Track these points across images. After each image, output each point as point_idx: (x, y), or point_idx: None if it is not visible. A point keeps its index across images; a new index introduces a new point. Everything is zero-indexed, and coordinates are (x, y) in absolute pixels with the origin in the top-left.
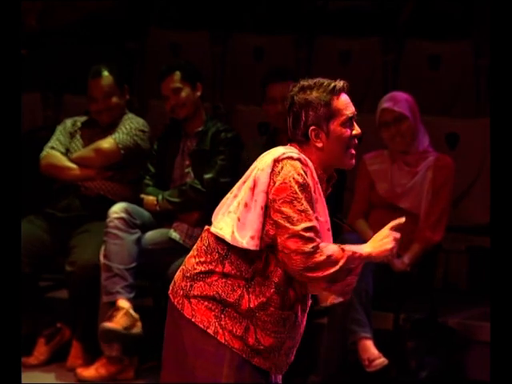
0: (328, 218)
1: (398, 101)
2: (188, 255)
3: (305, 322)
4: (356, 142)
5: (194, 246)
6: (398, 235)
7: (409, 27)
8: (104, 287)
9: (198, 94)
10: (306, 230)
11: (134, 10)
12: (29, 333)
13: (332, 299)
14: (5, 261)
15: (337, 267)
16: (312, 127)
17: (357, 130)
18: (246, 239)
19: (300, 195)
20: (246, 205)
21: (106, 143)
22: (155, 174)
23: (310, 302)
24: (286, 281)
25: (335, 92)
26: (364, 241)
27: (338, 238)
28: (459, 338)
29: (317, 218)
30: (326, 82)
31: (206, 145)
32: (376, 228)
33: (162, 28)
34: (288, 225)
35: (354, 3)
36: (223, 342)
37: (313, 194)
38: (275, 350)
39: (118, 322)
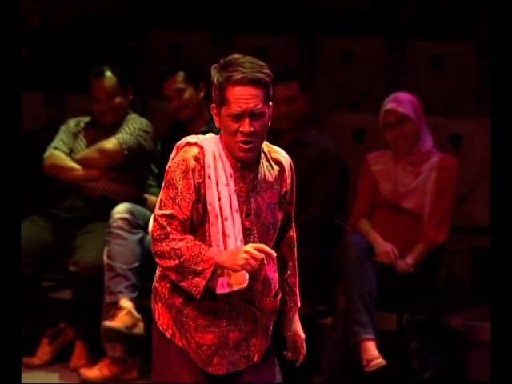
0: (233, 213)
1: (401, 102)
2: None
3: (258, 313)
4: (246, 138)
5: None
6: (258, 256)
7: (411, 27)
8: (107, 287)
9: (201, 94)
10: (163, 216)
11: (134, 10)
12: (32, 333)
13: (222, 288)
14: (5, 261)
15: (177, 261)
16: (212, 104)
17: (244, 128)
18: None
19: (178, 181)
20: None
21: (110, 144)
22: (159, 174)
23: (259, 294)
24: None
25: (231, 81)
26: (367, 241)
27: (341, 240)
28: (462, 339)
29: (210, 204)
30: (234, 65)
31: None
32: (379, 228)
33: (162, 28)
34: (157, 208)
35: (356, 3)
36: (181, 346)
37: (205, 179)
38: (221, 345)
39: (119, 321)
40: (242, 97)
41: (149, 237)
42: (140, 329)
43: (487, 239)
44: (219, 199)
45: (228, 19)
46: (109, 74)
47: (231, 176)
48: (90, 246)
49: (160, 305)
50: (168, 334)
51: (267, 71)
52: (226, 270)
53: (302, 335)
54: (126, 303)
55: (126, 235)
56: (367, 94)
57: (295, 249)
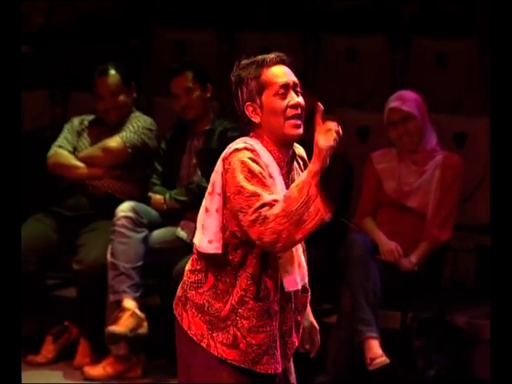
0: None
1: (406, 100)
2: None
3: (296, 313)
4: (296, 111)
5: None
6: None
7: (415, 25)
8: (111, 286)
9: (208, 95)
10: (258, 208)
11: (139, 8)
12: (36, 331)
13: (294, 285)
14: (5, 260)
15: (285, 214)
16: (247, 103)
17: (293, 100)
18: (205, 244)
19: (245, 183)
20: (206, 210)
21: (114, 142)
22: (162, 172)
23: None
24: (260, 270)
25: (265, 64)
26: (371, 240)
27: (346, 238)
28: (466, 337)
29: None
30: (260, 57)
31: (213, 143)
32: (383, 227)
33: (167, 26)
34: (242, 215)
35: (360, 1)
36: (216, 354)
37: (267, 178)
38: (271, 344)
39: (123, 325)
40: (281, 72)
41: (152, 235)
42: (144, 328)
43: None
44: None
45: (232, 17)
46: (113, 72)
47: (279, 173)
48: (94, 244)
49: (191, 313)
50: (204, 344)
51: (294, 61)
52: (295, 267)
53: (317, 326)
54: (129, 303)
55: (130, 234)
56: (371, 92)
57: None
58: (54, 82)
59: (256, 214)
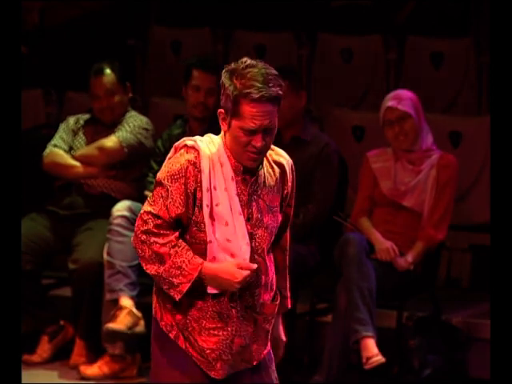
0: (235, 217)
1: (401, 99)
2: None
3: (259, 318)
4: (256, 151)
5: None
6: (250, 277)
7: (411, 24)
8: (107, 285)
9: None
10: (149, 213)
11: (135, 7)
12: (32, 330)
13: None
14: (5, 259)
15: (157, 267)
16: (220, 110)
17: (256, 143)
18: None
19: (169, 183)
20: None
21: (110, 141)
22: (158, 171)
23: (260, 299)
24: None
25: (247, 97)
26: (367, 239)
27: (341, 237)
28: (462, 336)
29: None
30: (248, 77)
31: None
32: (379, 226)
33: (163, 25)
34: (146, 202)
35: (355, 2)
36: (183, 348)
37: (201, 185)
38: (225, 350)
39: (121, 322)
40: (258, 114)
41: None
42: (141, 327)
43: (486, 237)
44: (217, 205)
45: (228, 16)
46: (108, 71)
47: (232, 179)
48: (90, 244)
49: (163, 305)
50: (172, 336)
51: (281, 82)
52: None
53: (284, 338)
54: (126, 302)
55: (126, 233)
56: (367, 91)
57: (287, 252)
58: (48, 82)
59: (148, 218)
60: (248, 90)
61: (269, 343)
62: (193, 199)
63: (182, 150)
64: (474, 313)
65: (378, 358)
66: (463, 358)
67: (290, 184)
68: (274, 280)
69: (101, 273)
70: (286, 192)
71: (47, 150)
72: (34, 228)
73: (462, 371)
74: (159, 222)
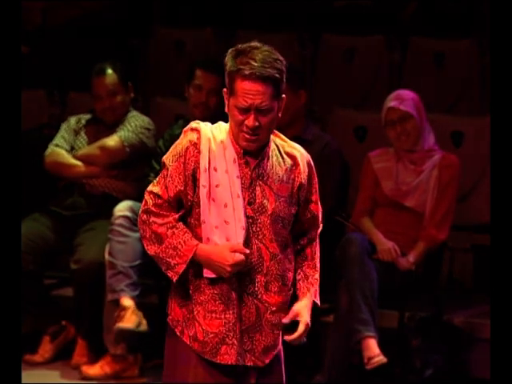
0: (235, 199)
1: (403, 99)
2: None
3: (262, 307)
4: (249, 131)
5: None
6: (241, 261)
7: (413, 25)
8: (109, 285)
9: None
10: (151, 193)
11: (136, 7)
12: (33, 330)
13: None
14: (5, 259)
15: (156, 248)
16: (224, 89)
17: (249, 123)
18: None
19: (170, 163)
20: None
21: (112, 141)
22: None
23: (262, 286)
24: None
25: (240, 74)
26: (369, 239)
27: (343, 237)
28: (464, 336)
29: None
30: (247, 56)
31: None
32: (381, 226)
33: (165, 25)
34: (152, 183)
35: (358, 2)
36: (188, 343)
37: (191, 165)
38: (228, 333)
39: (129, 321)
40: (249, 92)
41: None
42: (144, 326)
43: (488, 237)
44: (217, 186)
45: (231, 16)
46: (110, 71)
47: (234, 161)
48: (92, 244)
49: (174, 299)
50: (177, 331)
51: (279, 66)
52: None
53: (306, 319)
54: (127, 302)
55: (128, 233)
56: (369, 91)
57: (316, 248)
58: (51, 82)
59: (149, 197)
60: (241, 67)
61: (279, 345)
62: (193, 180)
63: (187, 132)
64: (475, 313)
65: (380, 358)
66: (465, 358)
67: (304, 177)
68: (289, 276)
69: (103, 273)
70: (298, 184)
71: (49, 150)
72: (36, 228)
73: (463, 371)
74: (159, 201)
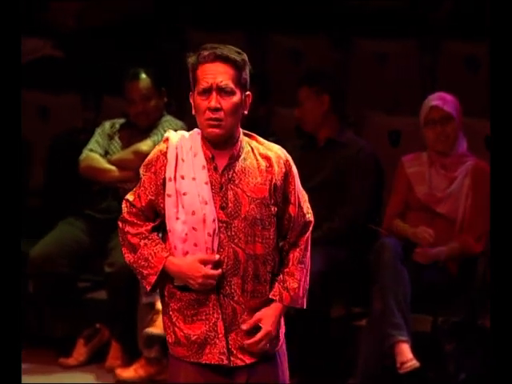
0: (203, 206)
1: (446, 101)
2: None
3: (238, 308)
4: (213, 114)
5: None
6: (214, 274)
7: (446, 28)
8: (143, 288)
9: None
10: (127, 201)
11: (169, 11)
12: (68, 334)
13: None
14: (5, 259)
15: (130, 257)
16: (190, 92)
17: (210, 103)
18: None
19: (143, 172)
20: None
21: (145, 145)
22: None
23: (238, 288)
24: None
25: (200, 59)
26: (402, 244)
27: (377, 242)
28: None
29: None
30: (207, 47)
31: None
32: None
33: (198, 29)
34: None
35: (390, 3)
36: (172, 353)
37: (161, 175)
38: (210, 333)
39: (160, 326)
40: (210, 72)
41: None
42: None
43: None
44: (184, 194)
45: (262, 20)
46: (143, 76)
47: (204, 167)
48: None
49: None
50: (170, 340)
51: (240, 55)
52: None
53: (268, 327)
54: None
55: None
56: (402, 95)
57: (306, 253)
58: (86, 86)
59: (125, 205)
60: (201, 52)
61: (277, 346)
62: (164, 189)
63: (160, 142)
64: None
65: (413, 363)
66: None
67: (278, 178)
68: (267, 278)
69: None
70: (273, 184)
71: (83, 155)
72: (70, 232)
73: None
74: (133, 210)
